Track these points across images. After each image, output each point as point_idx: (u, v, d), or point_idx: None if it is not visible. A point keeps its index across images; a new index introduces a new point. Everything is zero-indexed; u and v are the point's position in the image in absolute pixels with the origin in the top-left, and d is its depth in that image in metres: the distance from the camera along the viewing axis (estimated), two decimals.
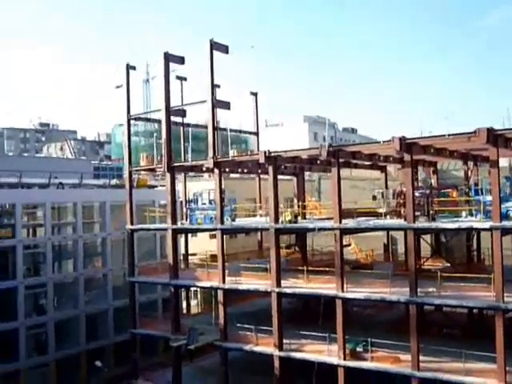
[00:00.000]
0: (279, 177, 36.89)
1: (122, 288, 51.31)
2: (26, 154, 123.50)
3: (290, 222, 36.54)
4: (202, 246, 53.19)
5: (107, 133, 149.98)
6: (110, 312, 52.91)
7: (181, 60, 42.30)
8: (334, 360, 32.75)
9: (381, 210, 34.92)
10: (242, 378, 38.13)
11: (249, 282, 37.98)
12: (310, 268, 37.23)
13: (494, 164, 28.44)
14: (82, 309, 51.13)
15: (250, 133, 55.07)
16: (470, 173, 42.34)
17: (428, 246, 41.87)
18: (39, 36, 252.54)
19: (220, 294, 38.10)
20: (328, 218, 39.77)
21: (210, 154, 38.40)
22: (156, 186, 62.72)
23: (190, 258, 49.85)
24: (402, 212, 33.72)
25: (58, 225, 52.63)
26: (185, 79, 48.20)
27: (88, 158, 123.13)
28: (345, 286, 32.78)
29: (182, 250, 49.17)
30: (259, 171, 49.08)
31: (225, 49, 39.39)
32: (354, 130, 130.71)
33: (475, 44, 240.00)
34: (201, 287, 44.02)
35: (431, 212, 32.17)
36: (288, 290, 35.60)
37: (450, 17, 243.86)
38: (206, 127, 41.69)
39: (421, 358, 30.22)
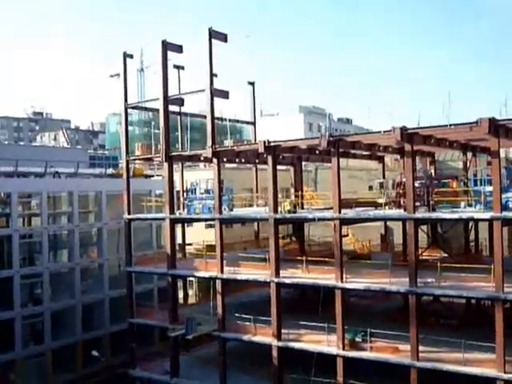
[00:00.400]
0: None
1: (118, 278, 51.31)
2: (21, 143, 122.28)
3: (289, 212, 36.49)
4: (198, 235, 53.19)
5: (101, 122, 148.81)
6: (106, 302, 52.81)
7: (179, 49, 41.96)
8: (333, 350, 32.84)
9: (380, 201, 34.89)
10: (240, 368, 38.17)
11: (247, 272, 37.94)
12: (308, 258, 37.22)
13: (495, 154, 28.49)
14: (78, 298, 50.97)
15: (248, 122, 54.79)
16: (468, 163, 42.34)
17: (425, 236, 41.92)
18: (31, 25, 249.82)
19: (218, 284, 38.04)
20: (325, 208, 39.77)
21: (209, 143, 38.19)
22: (152, 176, 62.40)
23: (186, 247, 49.75)
24: (402, 202, 33.73)
25: (53, 214, 52.39)
26: (182, 68, 47.86)
27: (83, 147, 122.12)
28: (344, 276, 32.80)
29: (178, 240, 49.15)
30: (257, 161, 48.91)
31: (223, 37, 39.06)
32: (349, 121, 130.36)
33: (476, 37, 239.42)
34: (199, 277, 43.90)
35: (431, 202, 32.17)
36: (287, 280, 35.58)
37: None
38: (203, 117, 41.50)
39: (420, 348, 30.32)
